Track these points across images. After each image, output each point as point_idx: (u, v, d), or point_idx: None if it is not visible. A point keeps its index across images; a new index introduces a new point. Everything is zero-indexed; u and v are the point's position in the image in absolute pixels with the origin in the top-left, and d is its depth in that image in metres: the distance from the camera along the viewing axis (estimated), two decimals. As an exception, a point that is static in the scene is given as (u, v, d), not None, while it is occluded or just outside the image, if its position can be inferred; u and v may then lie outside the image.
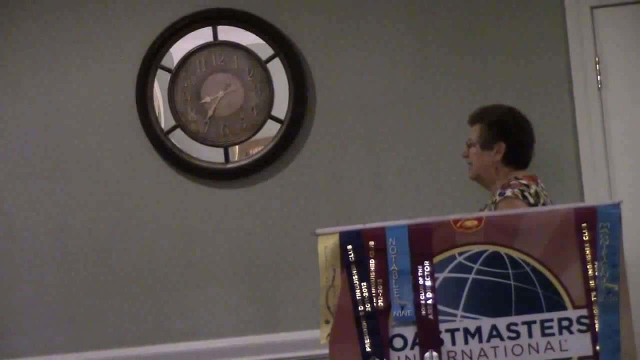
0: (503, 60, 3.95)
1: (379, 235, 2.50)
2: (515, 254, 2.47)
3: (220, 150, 4.05)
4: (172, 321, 4.03)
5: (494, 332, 2.45)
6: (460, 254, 2.48)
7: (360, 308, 2.47)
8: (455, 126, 3.85)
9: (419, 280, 2.47)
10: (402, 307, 2.47)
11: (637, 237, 3.69)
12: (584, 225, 2.48)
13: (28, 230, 4.08)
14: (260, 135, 4.04)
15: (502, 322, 2.46)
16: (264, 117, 4.03)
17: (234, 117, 4.04)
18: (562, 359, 2.45)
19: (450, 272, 2.48)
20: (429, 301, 2.46)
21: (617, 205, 2.50)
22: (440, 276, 2.48)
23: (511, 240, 2.48)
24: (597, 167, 3.86)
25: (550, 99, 3.92)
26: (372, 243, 2.50)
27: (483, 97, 3.80)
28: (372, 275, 2.49)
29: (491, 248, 2.48)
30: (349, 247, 2.50)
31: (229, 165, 4.05)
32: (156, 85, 4.07)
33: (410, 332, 2.46)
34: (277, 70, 4.01)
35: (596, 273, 2.45)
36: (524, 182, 3.22)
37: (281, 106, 4.01)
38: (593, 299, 2.45)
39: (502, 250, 2.48)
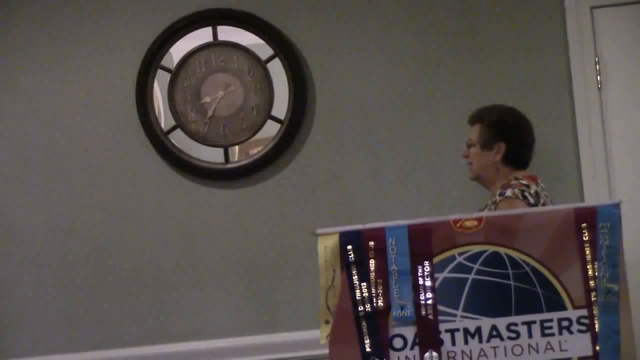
0: (503, 60, 3.95)
1: (379, 235, 2.50)
2: (515, 254, 2.47)
3: (220, 151, 4.05)
4: (172, 321, 4.03)
5: (494, 332, 2.45)
6: (460, 254, 2.48)
7: (360, 308, 2.47)
8: (455, 126, 3.85)
9: (418, 281, 2.47)
10: (402, 307, 2.47)
11: (637, 237, 3.68)
12: (584, 225, 2.48)
13: (28, 230, 4.08)
14: (260, 135, 4.04)
15: (502, 322, 2.46)
16: (264, 117, 4.03)
17: (234, 117, 4.04)
18: (562, 359, 2.45)
19: (450, 272, 2.48)
20: (429, 301, 2.46)
21: (617, 205, 2.50)
22: (440, 276, 2.48)
23: (511, 241, 2.48)
24: (597, 167, 3.86)
25: (550, 99, 3.92)
26: (372, 243, 2.50)
27: (483, 97, 3.80)
28: (372, 275, 2.49)
29: (491, 248, 2.48)
30: (349, 247, 2.50)
31: (229, 166, 4.05)
32: (156, 85, 4.07)
33: (410, 332, 2.46)
34: (277, 71, 4.01)
35: (596, 273, 2.45)
36: (524, 182, 3.22)
37: (281, 106, 4.01)
38: (593, 299, 2.45)
39: (502, 251, 2.48)
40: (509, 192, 3.16)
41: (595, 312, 2.45)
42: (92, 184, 4.07)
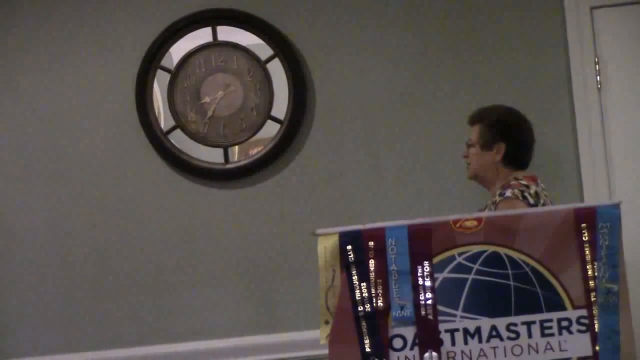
0: (503, 60, 3.95)
1: (379, 235, 2.50)
2: (515, 255, 2.47)
3: (220, 151, 4.05)
4: (172, 321, 4.03)
5: (494, 333, 2.45)
6: (460, 254, 2.48)
7: (360, 308, 2.47)
8: (455, 126, 3.84)
9: (418, 281, 2.47)
10: (402, 308, 2.47)
11: (637, 237, 3.68)
12: (583, 225, 2.47)
13: (28, 231, 4.08)
14: (260, 135, 4.04)
15: (501, 323, 2.46)
16: (264, 117, 4.03)
17: (234, 118, 4.04)
18: (562, 359, 2.45)
19: (449, 272, 2.48)
20: (429, 301, 2.46)
21: (617, 206, 2.49)
22: (440, 276, 2.48)
23: (511, 241, 2.48)
24: (597, 167, 3.86)
25: (550, 99, 3.92)
26: (371, 243, 2.50)
27: (483, 97, 3.80)
28: (372, 275, 2.49)
29: (491, 248, 2.48)
30: (349, 247, 2.50)
31: (229, 166, 4.05)
32: (156, 85, 4.07)
33: (409, 332, 2.46)
34: (277, 71, 4.01)
35: (596, 273, 2.45)
36: (523, 182, 3.22)
37: (281, 106, 4.01)
38: (593, 299, 2.45)
39: (502, 251, 2.48)
40: (508, 193, 3.16)
41: (595, 312, 2.45)
42: (92, 184, 4.07)
